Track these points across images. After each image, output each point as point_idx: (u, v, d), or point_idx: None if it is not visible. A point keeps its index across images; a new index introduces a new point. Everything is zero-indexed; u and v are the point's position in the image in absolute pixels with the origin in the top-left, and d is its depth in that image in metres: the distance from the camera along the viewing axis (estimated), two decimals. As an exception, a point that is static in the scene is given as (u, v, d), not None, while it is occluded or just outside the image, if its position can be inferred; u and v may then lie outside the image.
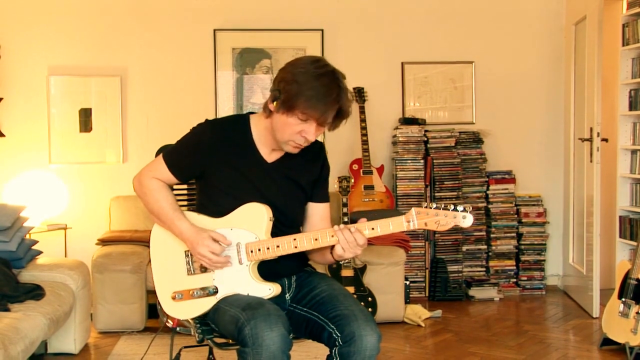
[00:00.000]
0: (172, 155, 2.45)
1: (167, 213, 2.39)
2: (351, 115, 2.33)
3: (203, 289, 2.35)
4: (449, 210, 2.15)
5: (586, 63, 4.94)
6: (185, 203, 2.86)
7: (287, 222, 2.42)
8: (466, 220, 2.14)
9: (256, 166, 2.41)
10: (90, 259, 4.46)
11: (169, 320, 2.51)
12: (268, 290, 2.30)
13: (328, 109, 2.22)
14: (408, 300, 4.91)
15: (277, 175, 2.42)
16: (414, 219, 2.18)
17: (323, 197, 2.55)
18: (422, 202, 2.21)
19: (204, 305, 2.36)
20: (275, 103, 2.27)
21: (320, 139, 5.38)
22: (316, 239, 2.27)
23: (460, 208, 2.13)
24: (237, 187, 2.38)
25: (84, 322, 4.05)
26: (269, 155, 2.43)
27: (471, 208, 2.16)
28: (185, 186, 2.82)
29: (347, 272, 4.45)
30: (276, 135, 2.32)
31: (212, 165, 2.38)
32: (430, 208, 2.16)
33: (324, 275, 2.57)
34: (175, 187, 2.59)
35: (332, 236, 2.25)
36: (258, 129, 2.41)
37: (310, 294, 2.40)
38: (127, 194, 5.02)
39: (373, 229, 2.26)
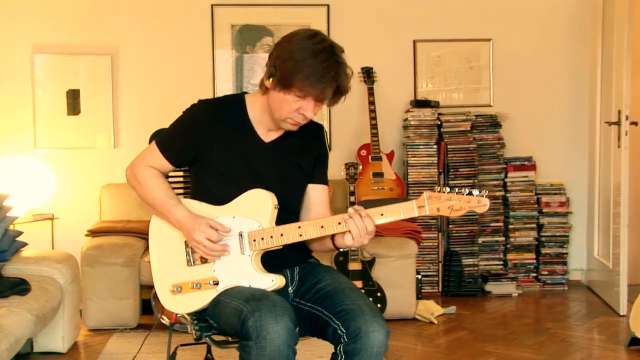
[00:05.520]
0: (165, 140, 2.48)
1: (162, 201, 2.42)
2: (351, 90, 2.36)
3: (203, 280, 2.38)
4: (463, 194, 2.16)
5: (615, 40, 4.92)
6: (181, 191, 2.88)
7: (286, 208, 2.44)
8: (482, 204, 2.16)
9: (253, 146, 2.44)
10: (80, 251, 4.47)
11: (163, 317, 2.53)
12: (271, 281, 2.32)
13: (326, 87, 2.26)
14: (420, 295, 4.93)
15: (275, 156, 2.46)
16: (426, 204, 2.19)
17: (321, 178, 2.57)
18: (435, 186, 2.22)
19: (204, 298, 2.38)
20: (271, 80, 2.31)
21: (325, 123, 5.44)
22: (322, 227, 2.29)
23: (475, 192, 2.15)
24: (233, 170, 2.41)
25: (72, 318, 4.07)
26: (266, 135, 2.47)
27: (487, 192, 2.17)
28: (181, 173, 2.84)
29: (354, 266, 4.47)
30: (273, 113, 2.36)
31: (206, 147, 2.41)
32: (443, 192, 2.17)
33: (329, 268, 2.58)
34: (171, 174, 2.62)
35: (339, 223, 2.26)
36: (254, 108, 2.45)
37: (314, 287, 2.42)
38: (119, 181, 5.04)
39: (382, 214, 2.25)
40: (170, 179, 2.67)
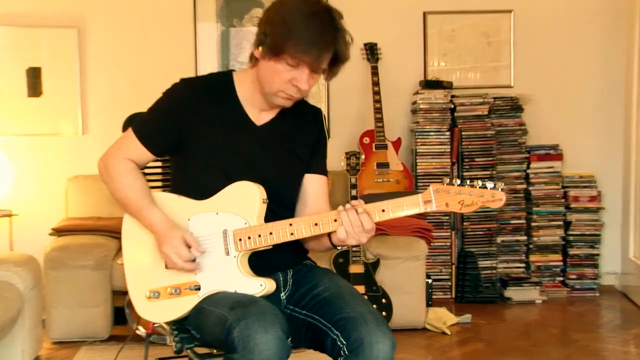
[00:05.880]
0: (143, 125, 2.48)
1: (136, 200, 2.42)
2: (352, 70, 2.37)
3: (183, 285, 2.38)
4: (475, 187, 2.16)
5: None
6: (159, 184, 2.88)
7: (281, 200, 2.45)
8: (496, 199, 2.15)
9: (243, 130, 2.45)
10: (43, 253, 4.47)
11: (139, 327, 2.54)
12: (259, 286, 2.32)
13: (322, 53, 2.27)
14: (430, 302, 4.94)
15: (268, 141, 2.47)
16: (433, 199, 2.19)
17: (319, 168, 2.57)
18: (444, 177, 2.22)
19: (184, 305, 2.38)
20: (260, 48, 2.32)
21: (323, 106, 5.43)
22: (316, 224, 2.28)
23: (489, 184, 2.14)
24: (221, 157, 2.42)
25: (34, 330, 4.07)
26: (258, 116, 2.48)
27: (504, 185, 2.16)
28: (159, 163, 2.84)
29: (356, 268, 4.48)
30: (264, 87, 2.37)
31: (190, 132, 2.41)
32: (453, 185, 2.17)
33: (328, 271, 2.58)
34: (149, 165, 2.62)
35: (335, 220, 2.27)
36: (244, 86, 2.46)
37: (310, 293, 2.42)
38: (87, 172, 5.03)
39: (383, 210, 2.25)
40: (147, 170, 2.67)
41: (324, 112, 5.50)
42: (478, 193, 2.16)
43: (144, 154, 2.47)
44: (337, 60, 2.33)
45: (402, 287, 4.57)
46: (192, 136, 2.42)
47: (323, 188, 2.59)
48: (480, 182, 2.16)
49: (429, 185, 2.22)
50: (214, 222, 2.37)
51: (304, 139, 2.54)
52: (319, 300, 2.38)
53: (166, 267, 2.43)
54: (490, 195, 2.15)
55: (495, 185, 2.15)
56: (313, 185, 2.56)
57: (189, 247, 2.34)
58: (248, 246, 2.32)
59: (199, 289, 2.36)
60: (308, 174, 2.56)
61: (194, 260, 2.36)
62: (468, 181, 2.17)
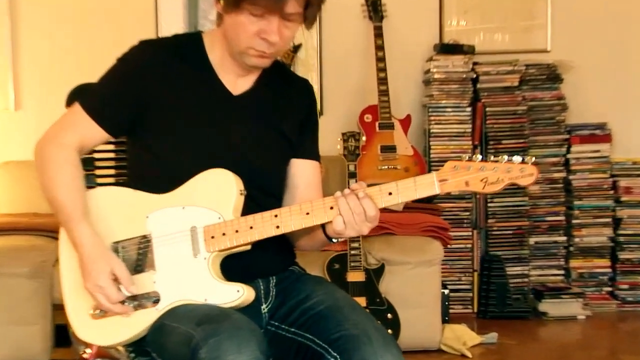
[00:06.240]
0: (95, 97, 2.46)
1: (68, 209, 2.39)
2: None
3: (138, 297, 2.35)
4: (500, 162, 2.17)
5: None
6: (112, 172, 2.86)
7: (265, 186, 2.45)
8: (526, 174, 2.15)
9: (217, 100, 2.45)
10: (-34, 258, 4.47)
11: (86, 350, 2.52)
12: (236, 292, 2.29)
13: None
14: (447, 318, 4.94)
15: (247, 114, 2.46)
16: (450, 177, 2.19)
17: (311, 151, 2.59)
18: (463, 154, 2.21)
19: (140, 322, 2.35)
20: (221, 1, 2.33)
21: (314, 76, 5.40)
22: (308, 213, 2.27)
23: (517, 158, 2.15)
24: (193, 134, 2.41)
25: (-43, 352, 4.07)
26: (234, 84, 2.48)
27: (534, 159, 2.16)
28: (112, 147, 2.82)
29: (355, 276, 4.47)
30: (232, 46, 2.38)
31: (153, 102, 2.40)
32: (474, 161, 2.17)
33: (320, 279, 2.58)
34: (99, 149, 2.59)
35: (331, 208, 2.26)
36: (216, 49, 2.47)
37: (300, 306, 2.40)
38: (21, 157, 5.05)
39: (390, 194, 2.25)
40: (96, 155, 2.65)
41: (317, 83, 5.48)
42: (504, 168, 2.17)
43: (96, 133, 2.45)
44: (310, 2, 2.33)
45: (412, 299, 4.57)
46: (155, 110, 2.41)
47: (315, 176, 2.60)
48: (505, 157, 2.17)
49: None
50: (180, 218, 2.35)
51: (290, 114, 2.54)
52: (312, 315, 2.36)
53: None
54: (518, 170, 2.17)
55: (523, 158, 2.16)
56: (303, 173, 2.57)
57: (118, 282, 2.32)
58: (222, 245, 2.30)
59: (157, 301, 2.33)
60: (296, 159, 2.56)
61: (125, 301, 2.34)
62: (492, 156, 2.19)
